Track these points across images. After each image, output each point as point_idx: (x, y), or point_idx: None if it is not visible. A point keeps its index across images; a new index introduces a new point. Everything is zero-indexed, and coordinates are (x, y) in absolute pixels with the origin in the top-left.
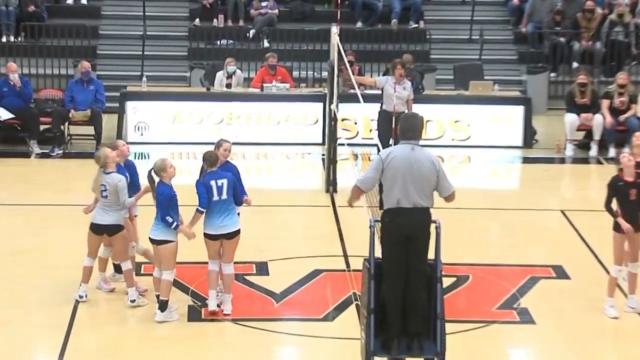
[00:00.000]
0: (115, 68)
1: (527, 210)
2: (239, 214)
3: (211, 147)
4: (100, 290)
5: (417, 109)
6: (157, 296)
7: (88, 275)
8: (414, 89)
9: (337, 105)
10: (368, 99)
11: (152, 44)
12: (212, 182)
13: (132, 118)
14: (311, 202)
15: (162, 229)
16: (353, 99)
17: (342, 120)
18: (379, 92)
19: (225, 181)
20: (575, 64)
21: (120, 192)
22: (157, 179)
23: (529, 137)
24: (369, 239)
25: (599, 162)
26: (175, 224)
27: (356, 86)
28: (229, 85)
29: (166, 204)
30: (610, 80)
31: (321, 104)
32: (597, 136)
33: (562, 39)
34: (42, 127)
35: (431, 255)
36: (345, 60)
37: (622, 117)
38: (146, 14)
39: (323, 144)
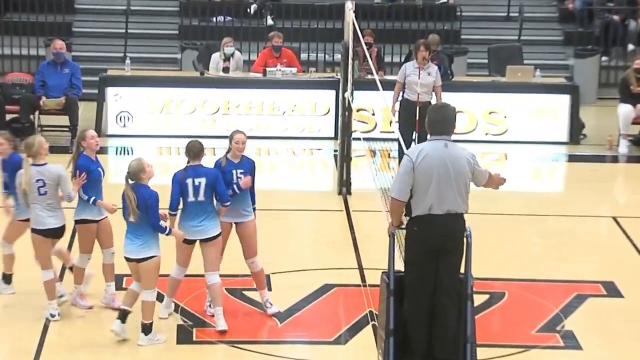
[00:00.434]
0: (93, 48)
1: (573, 216)
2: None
3: (205, 141)
4: (76, 307)
5: (446, 98)
6: (123, 309)
7: (53, 290)
8: (441, 75)
9: (351, 94)
10: (388, 86)
11: (137, 20)
12: (189, 180)
13: (114, 107)
14: (321, 205)
15: (143, 243)
16: (371, 86)
17: (358, 110)
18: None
19: (203, 180)
20: (630, 47)
21: (63, 183)
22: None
23: (576, 131)
24: (389, 249)
25: None
26: (168, 229)
27: (374, 71)
28: (226, 70)
29: (156, 207)
30: None
31: (333, 92)
32: None
33: (615, 17)
34: (8, 117)
35: (460, 268)
36: (362, 41)
37: None
38: None
39: (335, 138)
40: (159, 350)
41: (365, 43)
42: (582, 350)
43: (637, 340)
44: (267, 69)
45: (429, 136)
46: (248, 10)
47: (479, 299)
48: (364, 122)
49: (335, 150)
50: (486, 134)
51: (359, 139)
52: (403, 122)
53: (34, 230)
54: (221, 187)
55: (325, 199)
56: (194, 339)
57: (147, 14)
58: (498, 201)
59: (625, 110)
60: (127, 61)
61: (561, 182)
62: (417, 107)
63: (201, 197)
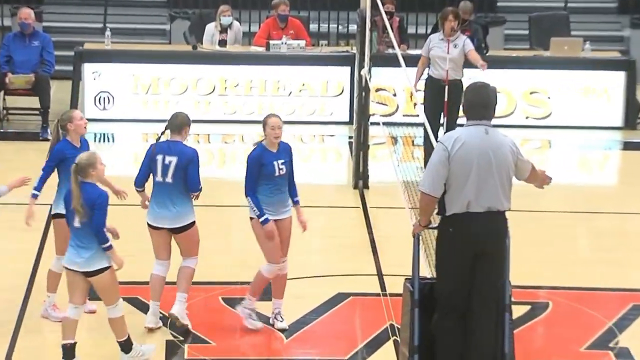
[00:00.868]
0: (68, 18)
1: (629, 214)
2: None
3: (198, 127)
4: (47, 319)
5: (478, 75)
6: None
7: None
8: (475, 48)
9: (369, 71)
10: (411, 62)
11: None
12: (159, 157)
13: (92, 86)
14: (334, 201)
15: (93, 253)
16: (391, 61)
17: (377, 90)
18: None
19: (174, 160)
20: None
21: None
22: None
23: (632, 114)
24: (413, 252)
25: None
26: (109, 244)
27: (396, 44)
28: (223, 43)
29: (104, 209)
30: None
31: (348, 69)
32: None
33: None
34: None
35: (502, 275)
36: (382, 9)
37: None
38: None
39: (350, 122)
40: None
41: (386, 12)
42: None
43: None
44: (271, 42)
45: (465, 120)
46: None
47: (518, 311)
48: (384, 104)
49: (351, 137)
50: (527, 117)
51: (377, 123)
52: (429, 103)
53: None
54: (194, 172)
55: (339, 193)
56: (186, 356)
57: None
58: (539, 196)
59: None
60: (107, 33)
61: (614, 173)
62: (445, 86)
63: (169, 179)
